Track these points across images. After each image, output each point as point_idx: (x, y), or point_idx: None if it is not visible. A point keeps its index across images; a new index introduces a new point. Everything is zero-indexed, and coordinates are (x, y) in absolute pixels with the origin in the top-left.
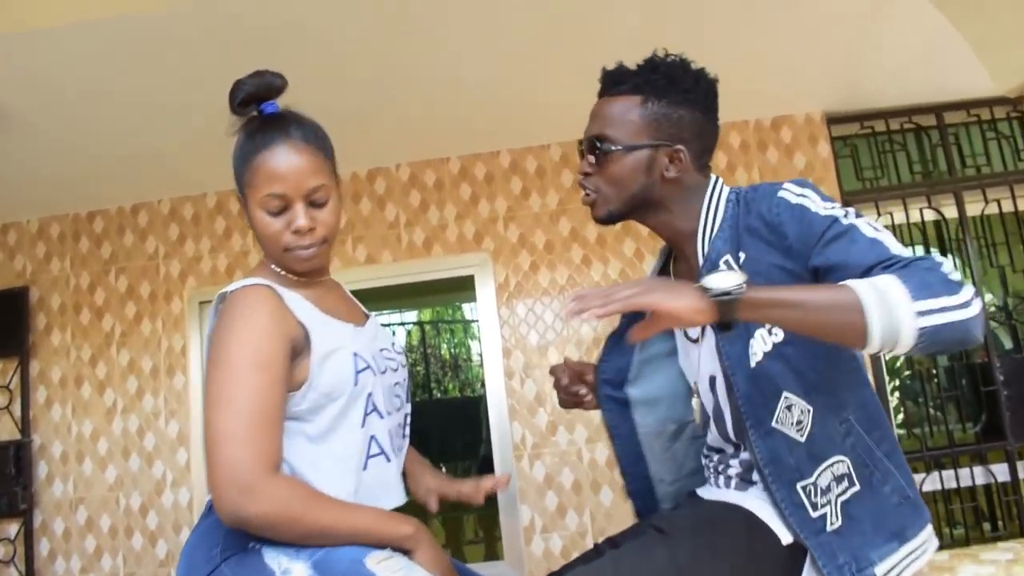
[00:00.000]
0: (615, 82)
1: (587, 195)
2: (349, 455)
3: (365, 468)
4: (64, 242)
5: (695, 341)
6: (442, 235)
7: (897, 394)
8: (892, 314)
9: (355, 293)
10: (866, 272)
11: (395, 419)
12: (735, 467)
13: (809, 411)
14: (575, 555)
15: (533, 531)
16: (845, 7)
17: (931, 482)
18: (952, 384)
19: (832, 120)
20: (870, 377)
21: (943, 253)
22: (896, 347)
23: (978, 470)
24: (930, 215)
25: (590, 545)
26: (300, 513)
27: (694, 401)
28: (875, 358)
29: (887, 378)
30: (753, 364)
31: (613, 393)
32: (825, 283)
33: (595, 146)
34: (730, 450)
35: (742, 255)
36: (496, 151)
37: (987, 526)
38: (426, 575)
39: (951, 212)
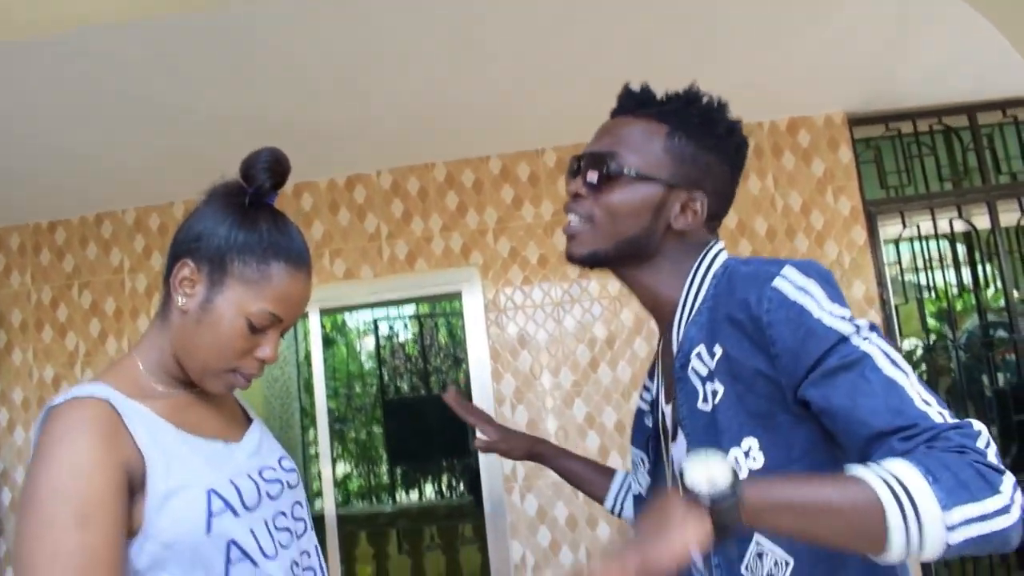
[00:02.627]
0: (640, 103)
1: (573, 223)
2: None
3: None
4: (24, 254)
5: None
6: (427, 248)
7: None
8: (919, 529)
9: (334, 311)
10: (876, 439)
11: (287, 557)
12: None
13: (787, 564)
14: None
15: (524, 569)
16: (872, 6)
17: None
18: (982, 412)
19: (855, 121)
20: None
21: (973, 268)
22: (918, 557)
23: None
24: (960, 226)
25: None
26: None
27: None
28: None
29: None
30: None
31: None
32: (834, 474)
33: (602, 163)
34: None
35: (718, 349)
36: (485, 156)
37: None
38: None
39: (983, 222)
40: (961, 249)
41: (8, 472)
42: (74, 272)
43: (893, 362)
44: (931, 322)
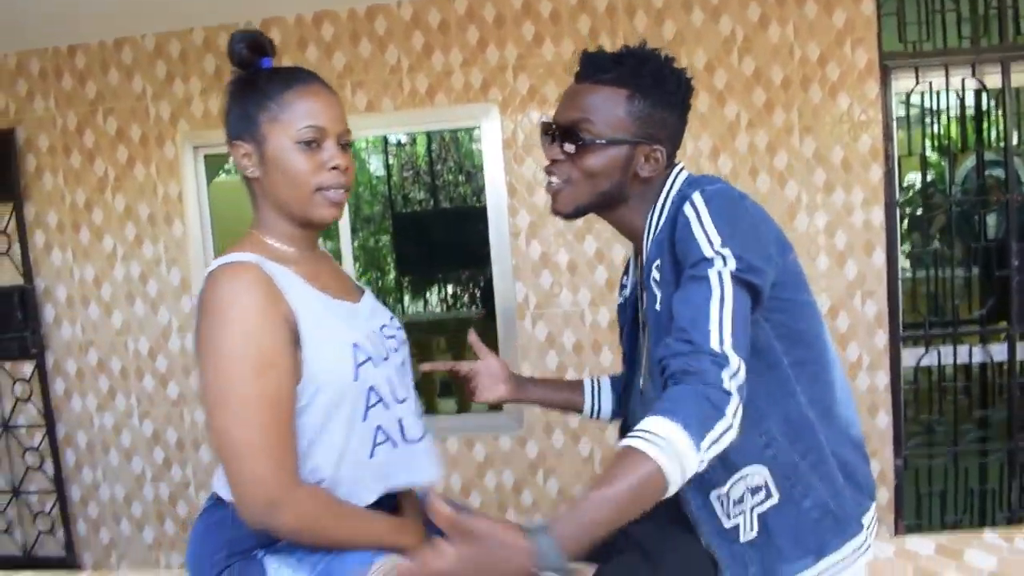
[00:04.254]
0: (598, 69)
1: (554, 183)
2: (351, 449)
3: (372, 456)
4: (46, 79)
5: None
6: (447, 82)
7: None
8: (685, 468)
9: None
10: (674, 329)
11: (406, 404)
12: None
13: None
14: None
15: None
16: None
17: (929, 359)
18: (967, 266)
19: None
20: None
21: (979, 125)
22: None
23: (976, 350)
24: (972, 84)
25: None
26: (323, 526)
27: None
28: (890, 227)
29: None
30: None
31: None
32: (626, 455)
33: (575, 134)
34: None
35: (662, 262)
36: None
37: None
38: None
39: (995, 81)
40: (970, 102)
41: (50, 291)
42: (97, 98)
43: (721, 296)
44: (931, 156)
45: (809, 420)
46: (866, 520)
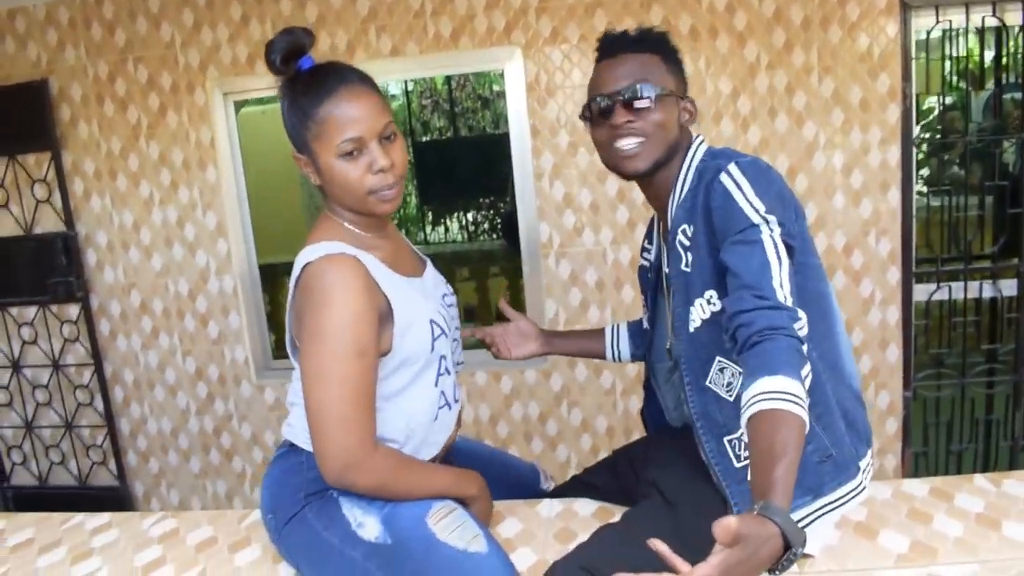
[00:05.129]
0: (627, 44)
1: (630, 144)
2: (421, 412)
3: (436, 419)
4: (76, 29)
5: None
6: (470, 25)
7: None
8: (807, 407)
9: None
10: (740, 287)
11: (459, 369)
12: None
13: (741, 374)
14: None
15: (557, 323)
16: None
17: (941, 294)
18: (981, 203)
19: None
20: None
21: (998, 61)
22: None
23: (987, 286)
24: (991, 23)
25: None
26: (395, 482)
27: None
28: (906, 166)
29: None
30: (691, 329)
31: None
32: (765, 420)
33: (642, 92)
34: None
35: (691, 229)
36: None
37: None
38: (476, 529)
39: (1015, 19)
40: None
41: (91, 237)
42: (127, 47)
43: (777, 254)
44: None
45: (818, 373)
46: (863, 464)
